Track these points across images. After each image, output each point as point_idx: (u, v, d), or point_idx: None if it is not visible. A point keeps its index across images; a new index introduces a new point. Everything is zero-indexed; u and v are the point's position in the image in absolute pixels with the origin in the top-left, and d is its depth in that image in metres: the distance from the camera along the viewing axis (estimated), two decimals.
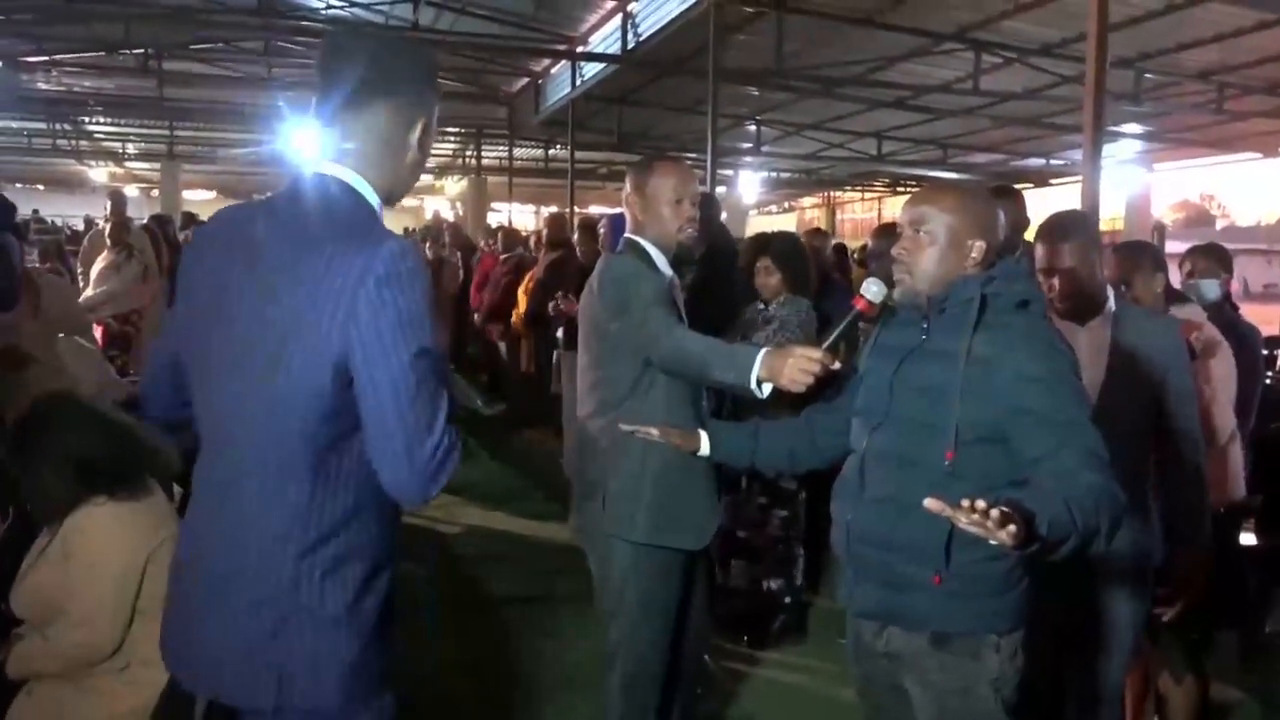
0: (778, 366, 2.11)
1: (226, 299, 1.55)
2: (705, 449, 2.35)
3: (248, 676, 1.53)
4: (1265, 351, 9.05)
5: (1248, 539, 3.54)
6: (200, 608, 1.59)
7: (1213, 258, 3.86)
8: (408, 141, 1.62)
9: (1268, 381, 6.61)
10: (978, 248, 1.96)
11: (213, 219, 1.77)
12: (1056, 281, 2.53)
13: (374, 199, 1.59)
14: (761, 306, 4.16)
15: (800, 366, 2.08)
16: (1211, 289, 3.72)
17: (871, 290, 2.15)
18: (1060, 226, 2.60)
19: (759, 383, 2.16)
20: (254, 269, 1.53)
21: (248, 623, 1.52)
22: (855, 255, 9.94)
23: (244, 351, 1.52)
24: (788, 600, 4.20)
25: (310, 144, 1.67)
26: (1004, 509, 1.46)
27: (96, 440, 2.46)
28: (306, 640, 1.52)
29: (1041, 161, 18.42)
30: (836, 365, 2.11)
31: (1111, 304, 2.59)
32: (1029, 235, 3.28)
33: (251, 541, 1.52)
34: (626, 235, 2.69)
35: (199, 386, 1.62)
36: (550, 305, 6.27)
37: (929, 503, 1.48)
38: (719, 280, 4.41)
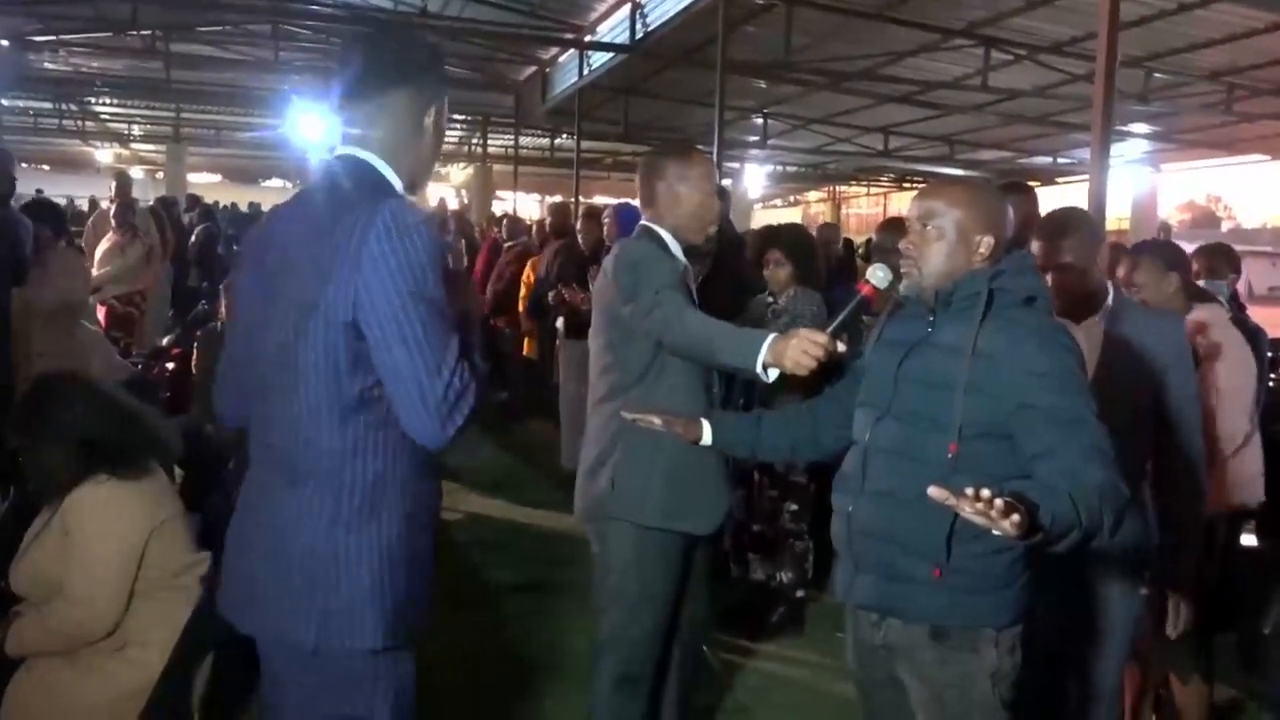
0: (782, 350, 2.11)
1: (264, 295, 1.68)
2: (707, 438, 2.35)
3: (292, 617, 1.63)
4: (1270, 354, 9.05)
5: (1249, 539, 3.53)
6: (254, 554, 1.70)
7: (1220, 257, 3.84)
8: (423, 126, 1.73)
9: (1270, 384, 6.62)
10: (985, 243, 1.95)
11: (260, 222, 1.91)
12: (1052, 278, 2.51)
13: (396, 181, 1.70)
14: (770, 299, 4.15)
15: (804, 349, 2.07)
16: (1219, 289, 3.70)
17: (878, 276, 2.15)
18: (1059, 224, 2.59)
19: (764, 367, 2.16)
20: (286, 258, 1.64)
21: (294, 567, 1.63)
22: (859, 250, 9.93)
23: (278, 329, 1.63)
24: (800, 594, 4.20)
25: (324, 129, 1.81)
26: (1008, 499, 1.46)
27: (100, 419, 2.47)
28: (344, 586, 1.62)
29: (1048, 160, 18.40)
30: (841, 349, 2.11)
31: (1110, 301, 2.57)
32: None
33: (295, 496, 1.64)
34: (643, 223, 2.68)
35: (248, 363, 1.74)
36: (551, 294, 6.26)
37: (933, 491, 1.48)
38: (725, 272, 4.41)
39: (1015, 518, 1.45)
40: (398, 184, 1.70)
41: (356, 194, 1.62)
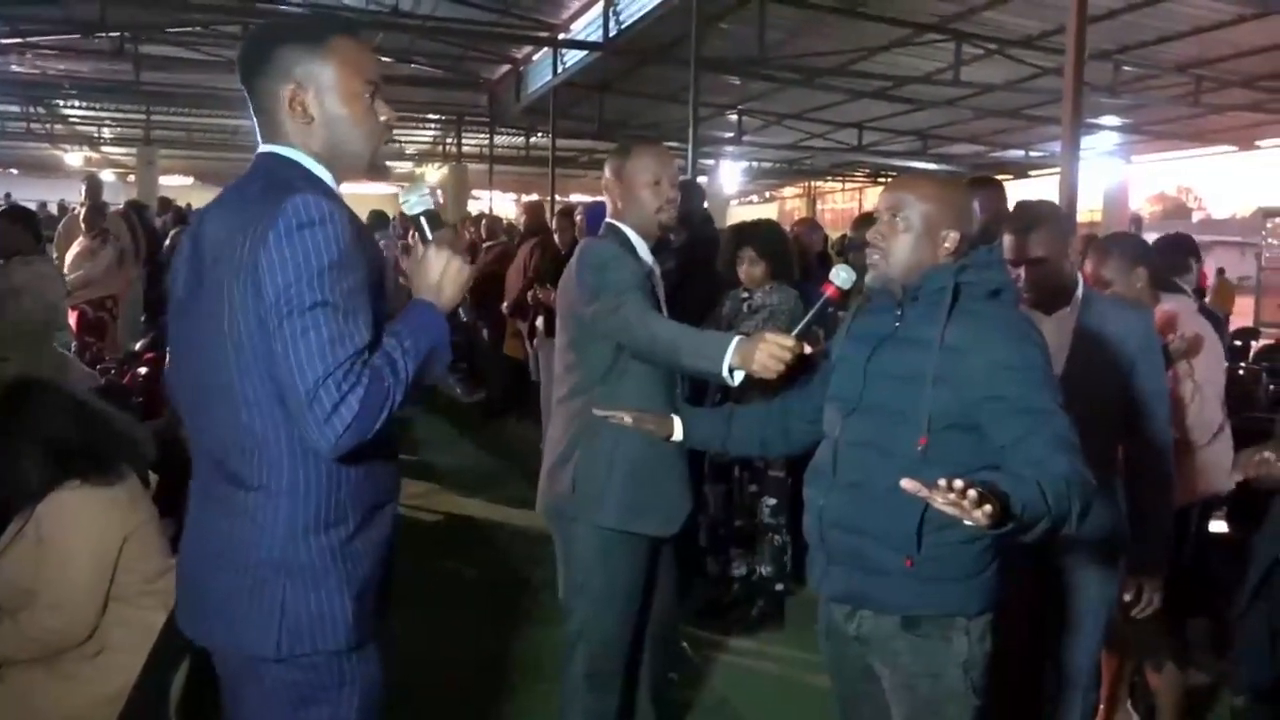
0: (749, 353, 2.12)
1: (191, 297, 1.63)
2: (678, 434, 2.36)
3: (253, 628, 1.61)
4: (1239, 342, 9.20)
5: (1219, 526, 3.58)
6: (208, 566, 1.66)
7: (1180, 250, 3.88)
8: (291, 114, 1.63)
9: (1240, 372, 6.72)
10: (951, 238, 1.98)
11: (188, 226, 1.86)
12: (1024, 271, 2.53)
13: (314, 166, 1.65)
14: (746, 295, 4.16)
15: (771, 353, 2.09)
16: (1182, 280, 3.73)
17: (840, 276, 2.17)
18: (1028, 216, 2.60)
19: (731, 370, 2.17)
20: (206, 262, 1.59)
21: (253, 577, 1.60)
22: (834, 246, 9.95)
23: (201, 340, 1.59)
24: (779, 587, 4.22)
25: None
26: (980, 490, 1.48)
27: (71, 425, 2.45)
28: (311, 593, 1.60)
29: (1021, 153, 18.56)
30: (808, 350, 2.12)
31: (1080, 293, 2.60)
32: None
33: (246, 504, 1.60)
34: (607, 220, 2.69)
35: (179, 383, 1.71)
36: (529, 294, 6.25)
37: (905, 483, 1.50)
38: (700, 269, 4.42)
39: (988, 508, 1.47)
40: (323, 174, 1.65)
41: (263, 191, 1.57)
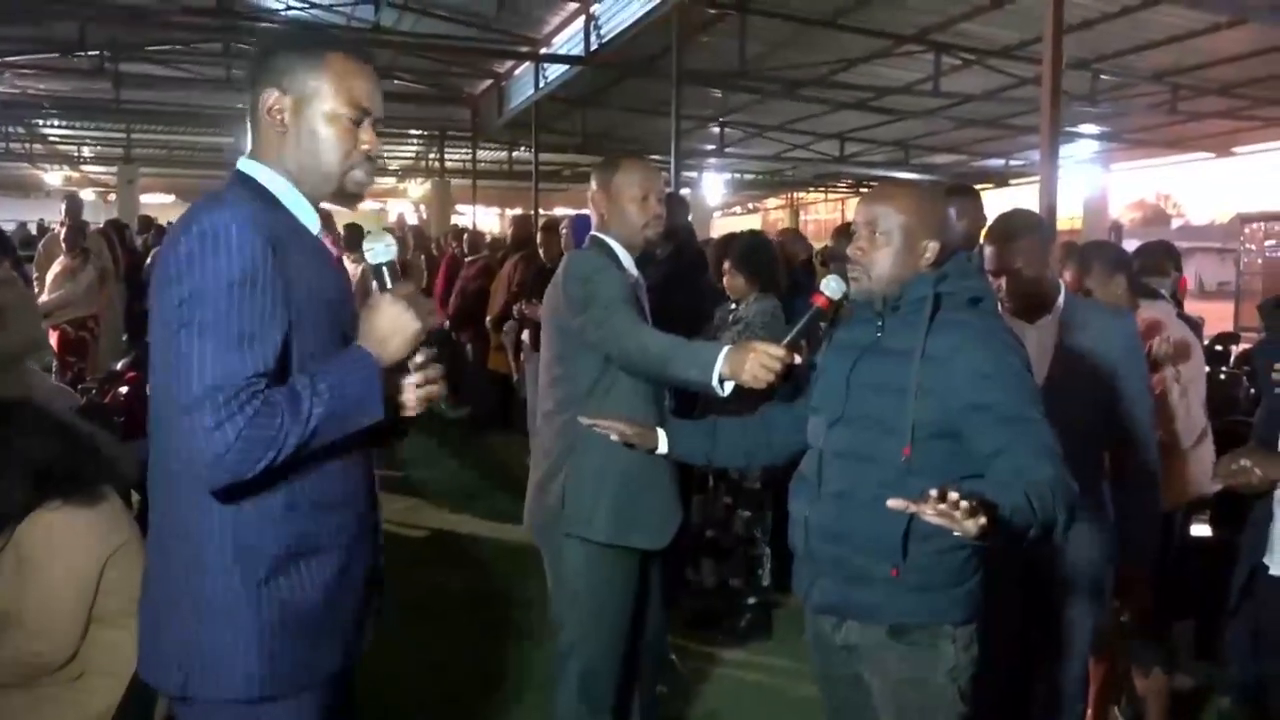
0: (739, 363, 2.12)
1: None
2: (663, 447, 2.36)
3: (159, 664, 1.58)
4: (1219, 347, 9.26)
5: (1202, 530, 3.60)
6: (144, 596, 1.65)
7: (1161, 255, 3.91)
8: (268, 120, 1.62)
9: (1221, 377, 6.77)
10: (931, 248, 1.99)
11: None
12: (1005, 281, 2.54)
13: (275, 182, 1.62)
14: (733, 306, 4.17)
15: (761, 363, 2.09)
16: (1161, 286, 3.77)
17: (831, 287, 2.18)
18: (1008, 227, 2.62)
19: (721, 380, 2.17)
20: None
21: (160, 612, 1.58)
22: (817, 256, 9.98)
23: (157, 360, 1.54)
24: (752, 600, 4.22)
25: None
26: (972, 501, 1.48)
27: (53, 445, 2.42)
28: (207, 636, 1.54)
29: (1001, 162, 18.67)
30: (797, 360, 2.13)
31: (1062, 300, 2.61)
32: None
33: (170, 536, 1.58)
34: (593, 233, 2.69)
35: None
36: (515, 308, 6.24)
37: (892, 502, 1.50)
38: (685, 281, 4.42)
39: (981, 519, 1.48)
40: (284, 192, 1.61)
41: (200, 204, 1.54)
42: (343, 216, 5.27)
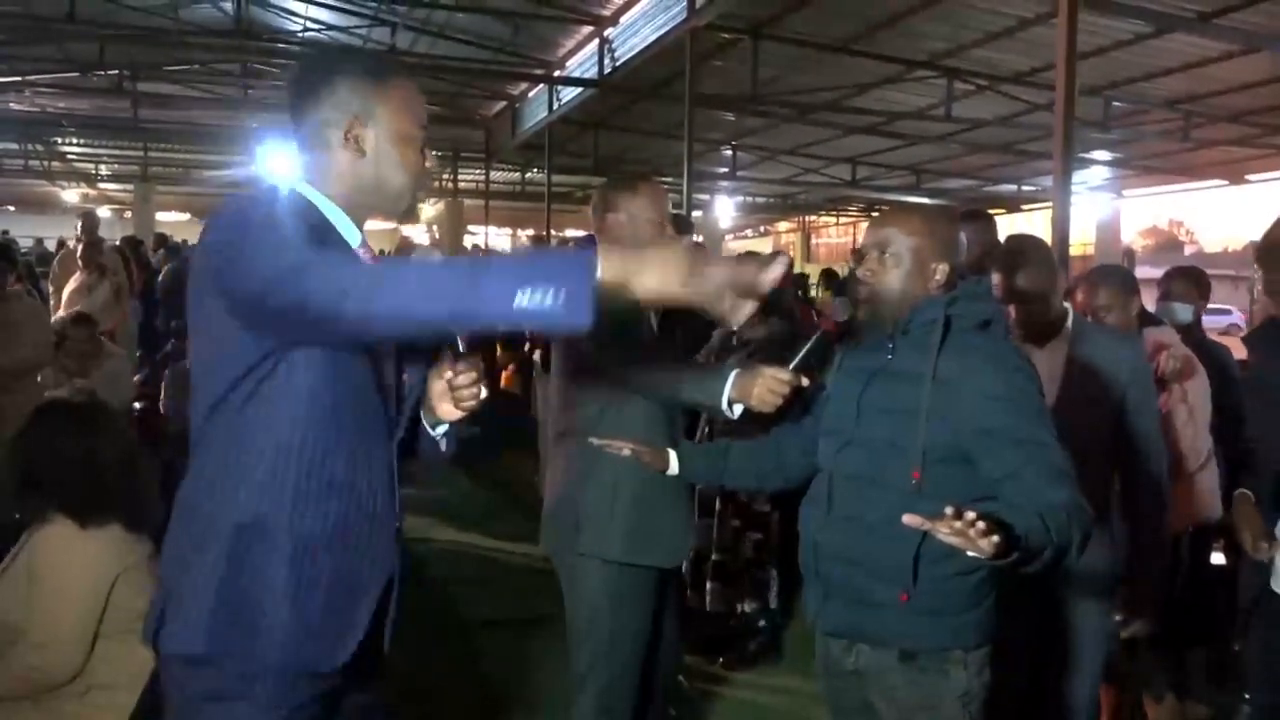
0: (748, 387, 2.13)
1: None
2: (674, 468, 2.36)
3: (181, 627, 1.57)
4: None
5: (1218, 558, 3.57)
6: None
7: (1190, 281, 3.90)
8: (333, 140, 1.62)
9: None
10: (941, 270, 1.99)
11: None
12: (1013, 308, 2.55)
13: (327, 206, 1.62)
14: (735, 329, 4.16)
15: (769, 387, 2.11)
16: (1185, 312, 3.75)
17: (840, 311, 2.18)
18: (1016, 252, 2.63)
19: (730, 403, 2.18)
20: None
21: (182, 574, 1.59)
22: (816, 281, 10.04)
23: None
24: (762, 624, 4.19)
25: (284, 166, 1.74)
26: (987, 521, 1.47)
27: (113, 458, 2.45)
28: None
29: (1013, 187, 18.65)
30: (805, 384, 2.13)
31: (1070, 324, 2.61)
32: None
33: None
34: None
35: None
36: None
37: (907, 518, 1.50)
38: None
39: (995, 538, 1.47)
40: (329, 210, 1.62)
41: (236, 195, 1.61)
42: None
